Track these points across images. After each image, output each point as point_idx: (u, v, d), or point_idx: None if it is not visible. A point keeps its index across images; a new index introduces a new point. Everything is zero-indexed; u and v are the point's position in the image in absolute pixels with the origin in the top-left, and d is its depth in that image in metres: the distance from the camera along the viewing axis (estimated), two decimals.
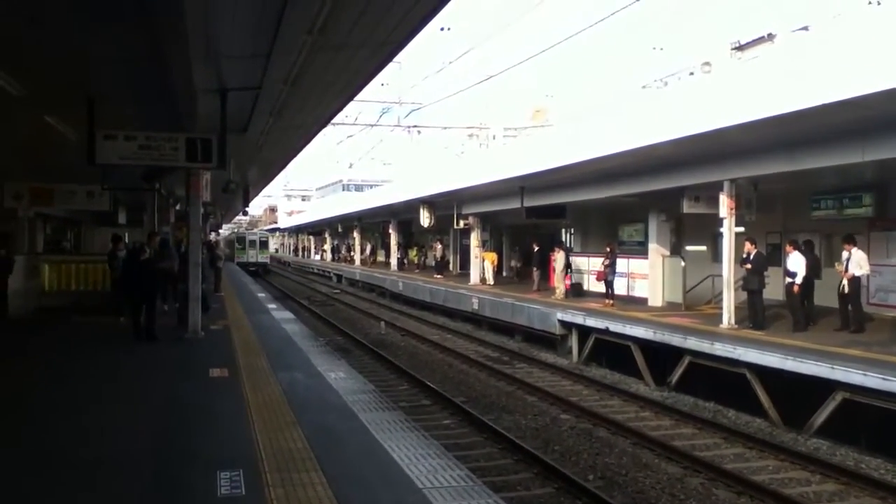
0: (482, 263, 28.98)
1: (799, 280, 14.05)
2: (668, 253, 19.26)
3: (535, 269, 24.74)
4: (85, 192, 18.22)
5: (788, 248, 14.69)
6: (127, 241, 25.02)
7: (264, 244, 56.24)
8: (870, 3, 20.20)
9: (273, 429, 6.99)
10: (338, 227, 55.00)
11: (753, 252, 14.73)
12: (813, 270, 14.50)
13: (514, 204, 23.97)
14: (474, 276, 28.68)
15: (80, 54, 8.19)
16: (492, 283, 28.10)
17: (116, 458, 6.19)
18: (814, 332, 13.75)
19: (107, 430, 7.14)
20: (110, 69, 8.85)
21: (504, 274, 33.20)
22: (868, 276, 14.04)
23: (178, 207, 24.81)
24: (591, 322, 16.52)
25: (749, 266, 14.60)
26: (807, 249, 14.73)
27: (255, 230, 70.30)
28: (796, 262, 14.13)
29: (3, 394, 8.77)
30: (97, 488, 5.48)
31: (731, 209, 14.87)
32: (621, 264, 20.14)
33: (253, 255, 52.59)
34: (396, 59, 9.50)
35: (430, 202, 30.51)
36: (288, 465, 5.87)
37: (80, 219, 27.73)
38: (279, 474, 5.64)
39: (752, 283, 14.58)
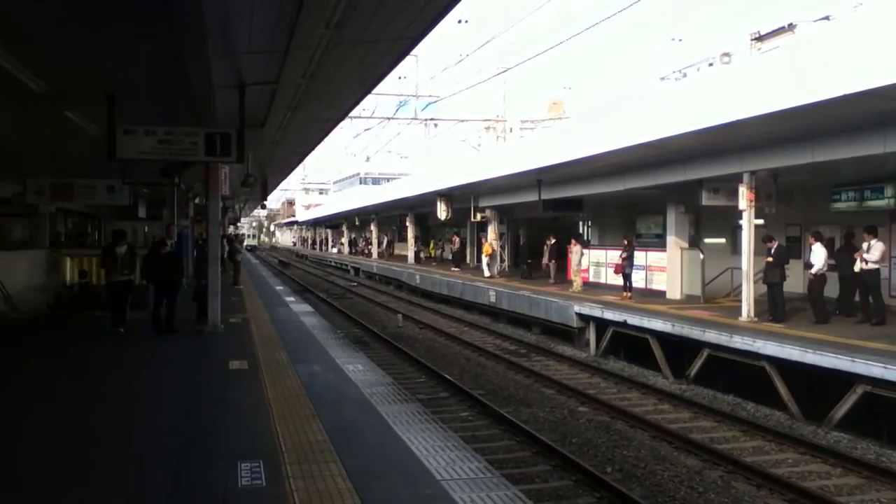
0: (498, 255, 28.99)
1: (814, 271, 14.01)
2: (686, 245, 19.14)
3: (552, 261, 24.76)
4: (105, 187, 18.39)
5: (811, 240, 14.60)
6: (146, 234, 25.41)
7: (253, 237, 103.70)
8: None
9: (292, 421, 7.05)
10: (355, 221, 55.18)
11: (774, 245, 14.64)
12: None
13: (532, 196, 23.92)
14: (491, 269, 28.67)
15: (100, 52, 8.27)
16: (487, 275, 28.18)
17: (139, 450, 6.28)
18: (835, 325, 13.63)
19: (128, 423, 7.23)
20: (130, 66, 8.92)
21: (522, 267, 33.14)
22: (880, 268, 13.84)
23: (196, 201, 25.01)
24: (609, 315, 16.48)
25: (770, 259, 14.50)
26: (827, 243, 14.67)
27: (246, 230, 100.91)
28: (816, 254, 14.06)
29: (26, 389, 8.90)
30: (121, 480, 5.55)
31: (751, 201, 14.76)
32: (639, 257, 20.06)
33: (245, 242, 79.50)
34: (413, 52, 9.53)
35: (448, 195, 30.51)
36: (307, 457, 5.92)
37: (100, 213, 27.99)
38: (299, 466, 5.70)
39: (772, 276, 14.47)
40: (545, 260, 25.42)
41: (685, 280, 18.94)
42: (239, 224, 69.84)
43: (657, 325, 14.67)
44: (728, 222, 19.04)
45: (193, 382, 9.20)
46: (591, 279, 22.58)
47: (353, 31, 7.82)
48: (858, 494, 8.31)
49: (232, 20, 7.48)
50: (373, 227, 49.96)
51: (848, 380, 10.44)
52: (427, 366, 14.80)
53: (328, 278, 43.85)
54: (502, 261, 31.39)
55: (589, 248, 23.94)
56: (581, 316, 17.71)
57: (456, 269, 32.93)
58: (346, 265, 50.68)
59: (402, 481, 5.47)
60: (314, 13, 7.13)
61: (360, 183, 76.27)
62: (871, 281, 13.63)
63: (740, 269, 15.43)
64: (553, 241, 25.24)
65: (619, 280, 19.86)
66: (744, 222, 14.91)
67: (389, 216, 47.65)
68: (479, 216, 30.09)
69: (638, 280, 19.99)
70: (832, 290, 14.76)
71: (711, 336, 13.11)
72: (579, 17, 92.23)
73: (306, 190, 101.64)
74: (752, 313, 14.69)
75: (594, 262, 22.98)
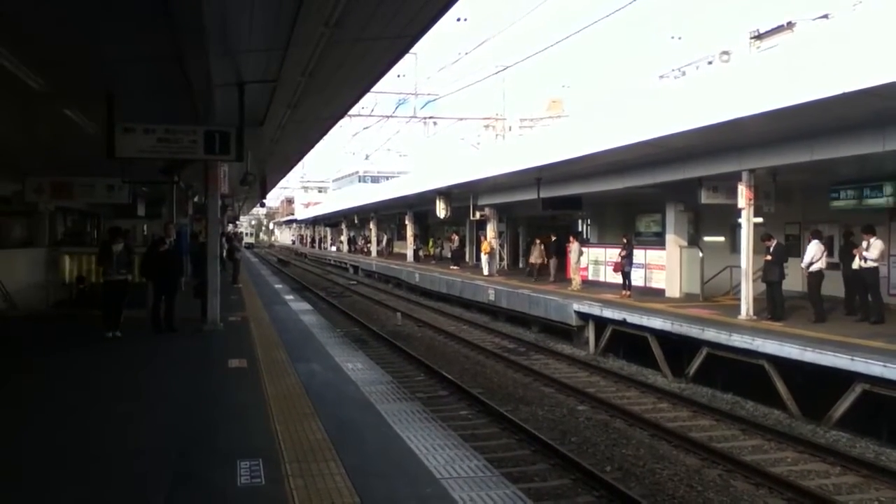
0: (497, 253, 29.02)
1: (803, 265, 14.24)
2: (685, 244, 19.16)
3: (552, 259, 24.81)
4: (105, 186, 18.36)
5: (809, 238, 14.63)
6: (145, 232, 25.37)
7: (250, 235, 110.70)
8: None
9: (292, 419, 7.05)
10: (354, 219, 55.19)
11: (773, 243, 14.66)
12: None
13: (531, 195, 23.91)
14: (489, 267, 28.68)
15: (99, 50, 8.26)
16: (486, 273, 28.20)
17: (138, 449, 6.29)
18: (834, 323, 13.64)
19: (128, 421, 7.22)
20: (129, 64, 8.91)
21: (520, 265, 33.23)
22: (879, 266, 13.85)
23: (196, 199, 24.98)
24: (608, 313, 16.48)
25: (769, 257, 14.52)
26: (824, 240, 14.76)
27: (245, 227, 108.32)
28: (808, 251, 14.15)
29: (25, 387, 8.90)
30: (120, 479, 5.56)
31: (750, 200, 14.77)
32: (638, 255, 20.07)
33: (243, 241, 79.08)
34: (412, 50, 9.52)
35: (447, 193, 30.49)
36: (307, 456, 5.92)
37: (100, 212, 27.96)
38: (298, 464, 5.70)
39: (771, 274, 14.49)
40: (532, 259, 25.66)
41: (684, 278, 18.96)
42: (238, 222, 69.85)
43: (656, 323, 14.67)
44: (727, 221, 19.04)
45: (193, 381, 9.19)
46: (590, 277, 22.60)
47: (352, 29, 7.82)
48: (857, 493, 8.31)
49: (231, 18, 7.48)
50: (372, 226, 49.96)
51: (847, 378, 10.45)
52: (426, 364, 14.80)
53: (327, 276, 43.86)
54: (501, 259, 31.40)
55: (588, 247, 23.95)
56: (580, 314, 17.71)
57: (455, 267, 32.94)
58: (346, 263, 50.69)
59: (402, 480, 5.47)
60: (313, 12, 7.13)
61: (360, 181, 76.33)
62: (869, 279, 13.64)
63: (739, 267, 15.44)
64: (553, 238, 25.31)
65: (618, 278, 19.88)
66: (743, 221, 14.92)
67: (388, 214, 47.67)
68: (478, 214, 30.09)
69: (637, 278, 20.00)
70: (839, 289, 14.80)
71: (710, 334, 13.11)
72: (578, 15, 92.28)
73: (305, 188, 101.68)
74: (751, 312, 14.70)
75: (593, 261, 22.99)
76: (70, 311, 15.75)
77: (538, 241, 26.09)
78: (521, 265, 33.55)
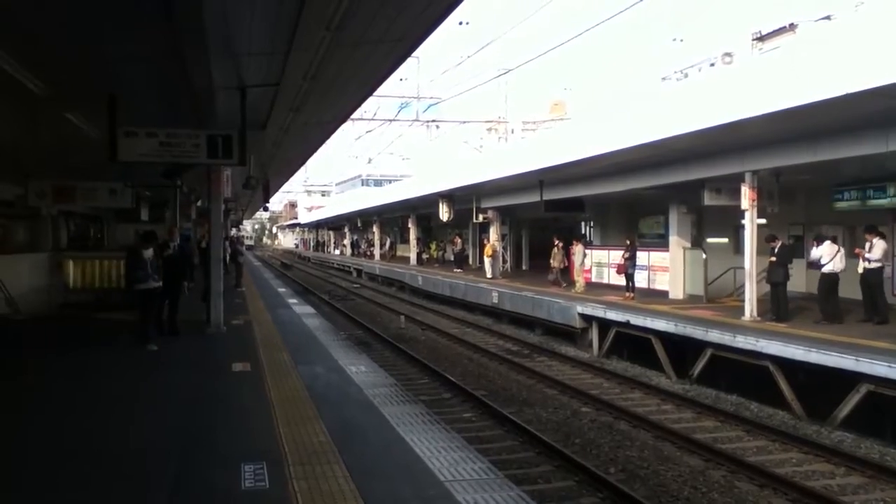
0: (500, 255, 28.94)
1: (813, 257, 14.34)
2: (689, 245, 19.14)
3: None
4: (107, 189, 18.34)
5: (815, 242, 14.65)
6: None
7: (250, 238, 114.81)
8: None
9: (295, 422, 7.05)
10: (357, 222, 55.19)
11: (778, 245, 14.64)
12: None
13: (534, 197, 23.91)
14: (493, 270, 28.65)
15: (100, 53, 8.27)
16: (489, 276, 28.20)
17: (142, 452, 6.28)
18: (838, 324, 13.59)
19: (131, 424, 7.23)
20: (131, 68, 8.91)
21: (523, 267, 33.21)
22: (883, 266, 13.80)
23: (199, 203, 25.00)
24: (612, 315, 16.46)
25: (774, 258, 14.50)
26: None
27: (249, 230, 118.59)
28: (822, 249, 14.14)
29: (27, 390, 8.90)
30: (124, 480, 5.56)
31: (753, 201, 14.75)
32: (642, 257, 20.05)
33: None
34: (415, 54, 9.52)
35: (449, 196, 30.49)
36: (311, 458, 5.91)
37: (102, 216, 28.00)
38: (302, 467, 5.69)
39: (776, 276, 14.46)
40: (555, 263, 24.54)
41: (688, 280, 18.92)
42: (241, 226, 69.87)
43: (660, 325, 14.65)
44: (730, 222, 19.01)
45: (196, 384, 9.19)
46: (593, 279, 22.57)
47: (354, 32, 7.82)
48: (862, 494, 8.29)
49: (233, 22, 7.48)
50: (375, 229, 49.95)
51: (851, 379, 10.42)
52: (430, 367, 14.79)
53: (330, 280, 43.87)
54: (504, 261, 31.37)
55: (591, 249, 23.92)
56: (584, 316, 17.69)
57: (458, 270, 32.92)
58: (349, 267, 50.70)
59: (405, 482, 5.46)
60: (315, 14, 7.13)
61: (362, 185, 76.29)
62: (873, 280, 13.60)
63: (743, 268, 15.42)
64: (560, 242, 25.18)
65: (621, 280, 19.86)
66: (746, 222, 14.90)
67: (391, 217, 47.66)
68: (481, 217, 30.07)
69: (640, 280, 19.97)
70: (848, 290, 14.76)
71: (714, 336, 13.09)
72: (580, 18, 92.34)
73: (308, 192, 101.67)
74: (755, 313, 14.68)
75: (596, 263, 22.96)
76: (74, 314, 15.76)
77: (558, 244, 24.35)
78: (524, 267, 33.52)
